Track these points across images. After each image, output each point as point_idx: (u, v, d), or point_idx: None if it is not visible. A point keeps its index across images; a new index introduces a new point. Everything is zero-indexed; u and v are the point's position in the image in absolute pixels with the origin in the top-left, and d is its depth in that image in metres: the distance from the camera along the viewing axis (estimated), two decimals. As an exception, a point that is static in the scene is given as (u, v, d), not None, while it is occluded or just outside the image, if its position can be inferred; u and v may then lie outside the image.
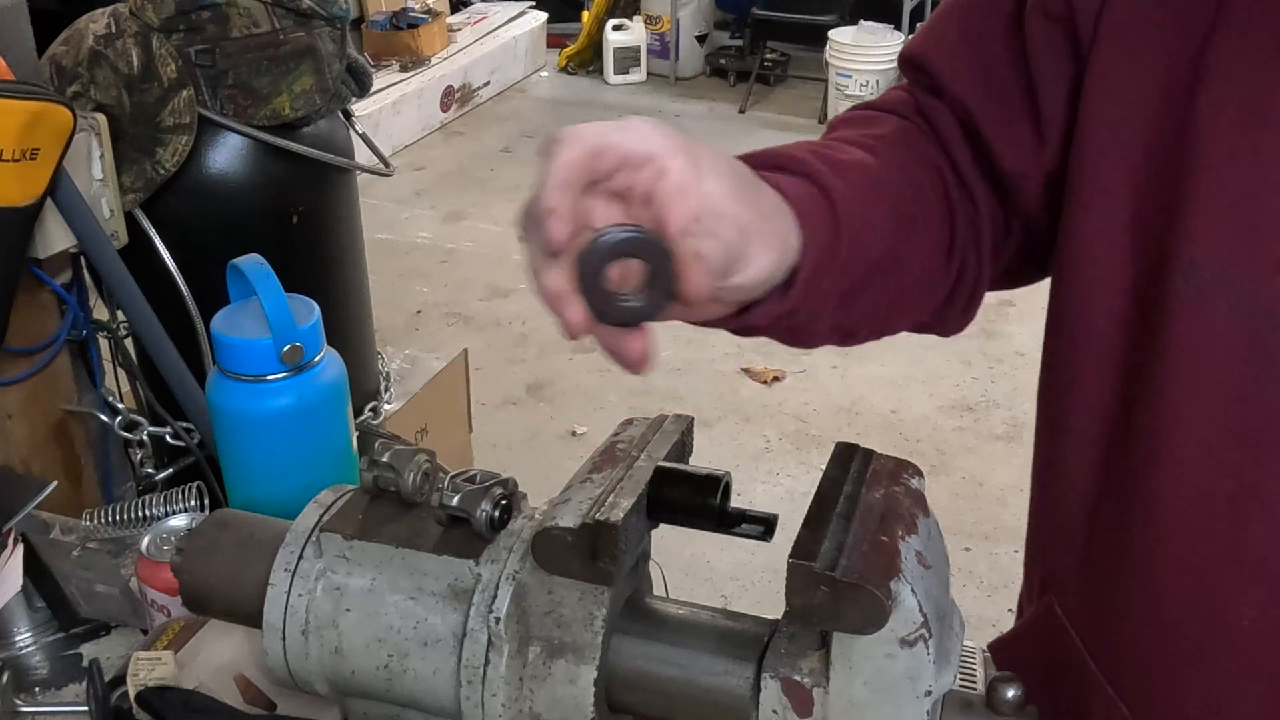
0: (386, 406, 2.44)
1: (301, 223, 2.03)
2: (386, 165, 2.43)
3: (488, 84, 6.11)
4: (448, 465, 0.88)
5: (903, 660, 0.70)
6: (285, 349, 1.11)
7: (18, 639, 1.15)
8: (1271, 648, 0.77)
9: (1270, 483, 0.72)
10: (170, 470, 1.89)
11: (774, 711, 0.74)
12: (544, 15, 6.53)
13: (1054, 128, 0.81)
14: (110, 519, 1.29)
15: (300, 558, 0.85)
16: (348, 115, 2.17)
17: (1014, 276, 0.93)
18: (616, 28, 6.32)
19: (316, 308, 1.16)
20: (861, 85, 5.60)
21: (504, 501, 0.82)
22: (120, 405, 1.88)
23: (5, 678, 1.10)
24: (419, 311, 4.19)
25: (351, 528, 0.85)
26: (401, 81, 5.52)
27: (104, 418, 1.84)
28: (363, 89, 2.12)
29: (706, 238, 0.63)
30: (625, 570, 0.79)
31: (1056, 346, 0.85)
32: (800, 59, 6.25)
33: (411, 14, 5.76)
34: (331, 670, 0.85)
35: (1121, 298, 0.77)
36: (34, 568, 1.16)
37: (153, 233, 1.90)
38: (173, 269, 1.90)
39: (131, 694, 0.96)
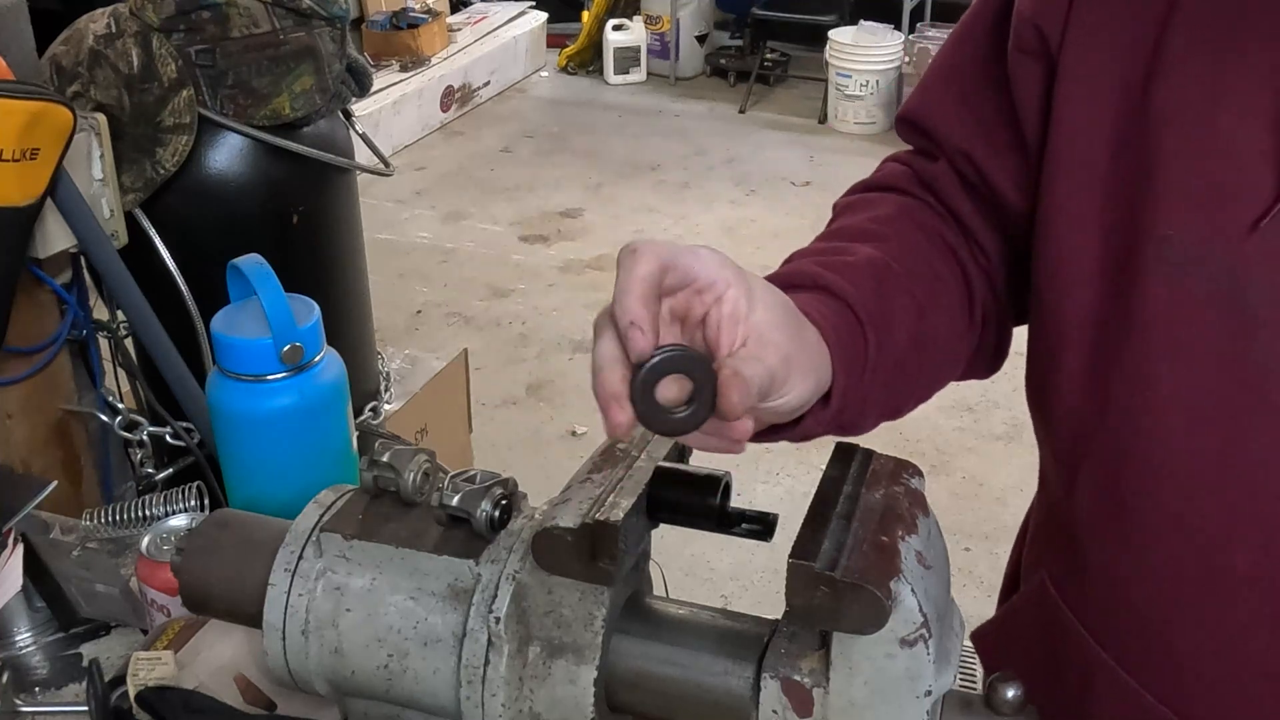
0: (386, 406, 2.44)
1: (301, 223, 2.03)
2: (386, 165, 2.42)
3: (488, 84, 6.11)
4: (448, 465, 0.88)
5: (903, 660, 0.70)
6: (285, 349, 1.11)
7: (18, 639, 1.15)
8: (1269, 592, 0.78)
9: (1256, 434, 0.75)
10: (170, 470, 1.89)
11: (774, 711, 0.75)
12: (544, 15, 6.53)
13: (1036, 147, 0.84)
14: (110, 519, 1.29)
15: (300, 558, 0.85)
16: (348, 115, 2.17)
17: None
18: (616, 28, 6.33)
19: (316, 308, 1.16)
20: (861, 85, 5.60)
21: (504, 501, 0.82)
22: (120, 405, 1.87)
23: (5, 678, 1.10)
24: (419, 311, 4.19)
25: (351, 528, 0.85)
26: (401, 81, 5.52)
27: (104, 418, 1.84)
28: (363, 89, 2.12)
29: (751, 361, 0.69)
30: (625, 570, 0.79)
31: (1038, 332, 0.87)
32: (800, 59, 6.25)
33: (411, 14, 5.76)
34: (331, 670, 0.85)
35: (1096, 279, 0.80)
36: (34, 568, 1.16)
37: (153, 233, 1.90)
38: (173, 269, 1.90)
39: (131, 694, 0.96)
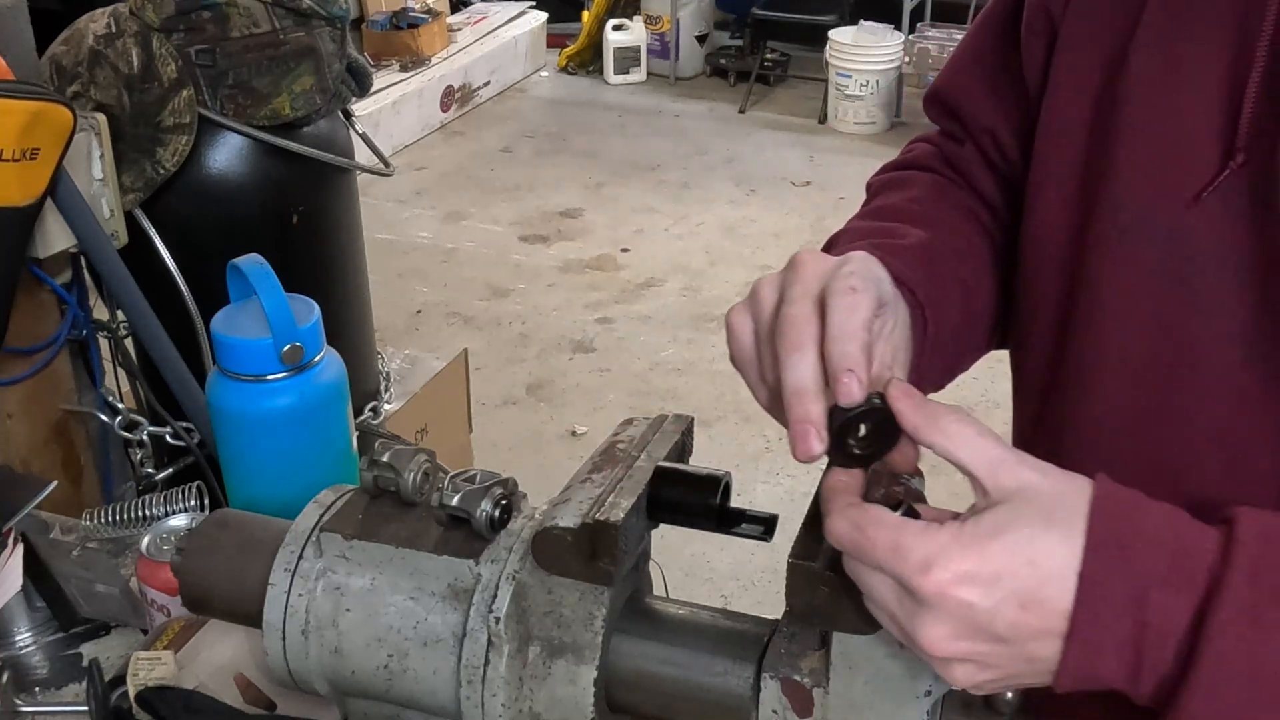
0: (386, 406, 2.44)
1: (301, 223, 2.03)
2: (386, 165, 2.42)
3: (488, 84, 6.11)
4: (448, 465, 0.88)
5: (903, 660, 0.70)
6: (285, 349, 1.11)
7: (18, 639, 1.15)
8: None
9: (1186, 400, 0.78)
10: (170, 470, 1.89)
11: (774, 711, 0.75)
12: (544, 15, 6.53)
13: None
14: (110, 519, 1.29)
15: (300, 558, 0.85)
16: (348, 115, 2.17)
17: None
18: (616, 28, 6.32)
19: (316, 308, 1.16)
20: (861, 85, 5.60)
21: (504, 501, 0.82)
22: (120, 405, 1.88)
23: (5, 678, 1.10)
24: (419, 311, 4.19)
25: (351, 528, 0.85)
26: (401, 81, 5.52)
27: (104, 418, 1.84)
28: (363, 89, 2.11)
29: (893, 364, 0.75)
30: (625, 570, 0.79)
31: (1020, 303, 0.91)
32: (800, 59, 6.25)
33: (411, 14, 5.76)
34: (331, 670, 0.85)
35: (1064, 248, 0.84)
36: (34, 568, 1.16)
37: (153, 233, 1.90)
38: (173, 269, 1.90)
39: (131, 694, 0.96)
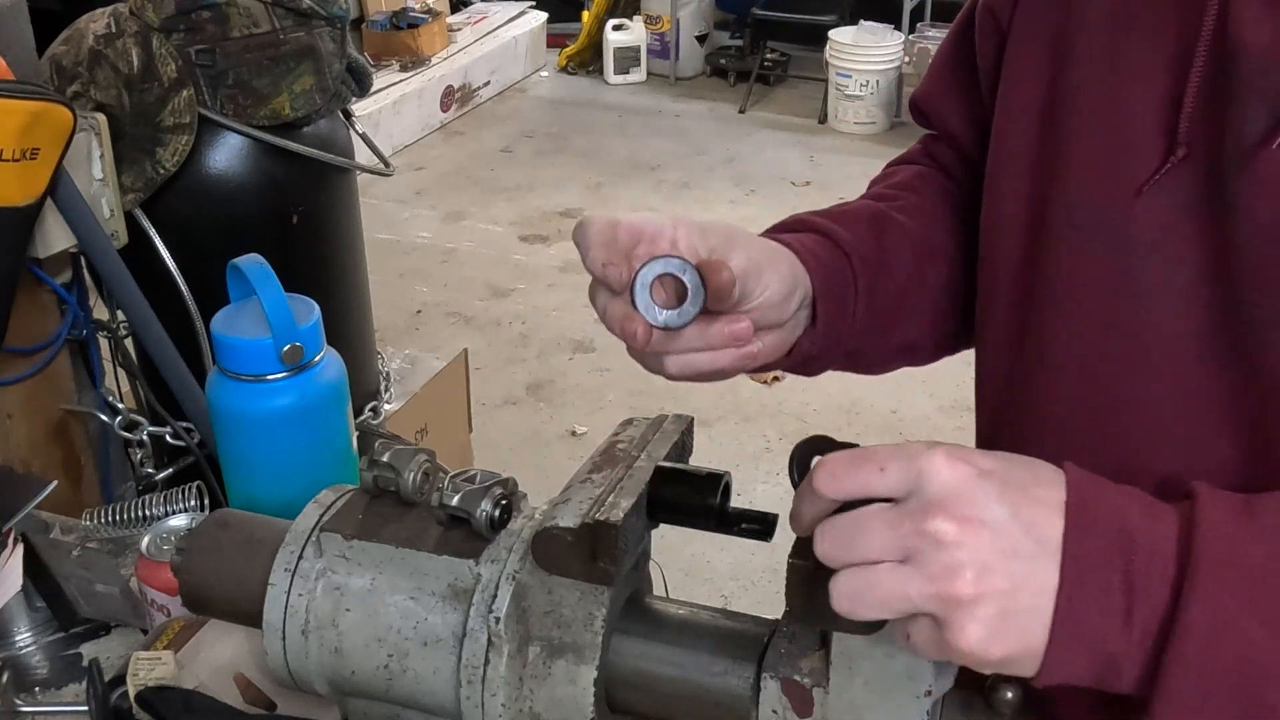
0: (386, 406, 2.44)
1: (301, 223, 2.03)
2: (386, 165, 2.43)
3: (488, 84, 6.11)
4: (448, 465, 0.88)
5: (903, 660, 0.70)
6: (285, 349, 1.11)
7: (18, 639, 1.15)
8: None
9: (1138, 395, 0.78)
10: (170, 470, 1.89)
11: (774, 711, 0.75)
12: (544, 15, 6.53)
13: None
14: (110, 519, 1.29)
15: (300, 558, 0.85)
16: (348, 115, 2.17)
17: None
18: (616, 28, 6.32)
19: (316, 308, 1.16)
20: (861, 85, 5.60)
21: (504, 501, 0.82)
22: (120, 405, 1.88)
23: (5, 678, 1.10)
24: (419, 311, 4.19)
25: (351, 528, 0.85)
26: (401, 81, 5.52)
27: (104, 418, 1.84)
28: (363, 89, 2.12)
29: (727, 257, 0.79)
30: (625, 570, 0.79)
31: (979, 301, 0.93)
32: (800, 59, 6.25)
33: (411, 14, 5.76)
34: (331, 670, 0.85)
35: (1018, 246, 0.85)
36: (34, 568, 1.16)
37: (153, 233, 1.90)
38: (173, 269, 1.90)
39: (131, 694, 0.96)
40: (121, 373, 1.95)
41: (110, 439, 1.87)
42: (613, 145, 5.64)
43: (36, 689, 1.11)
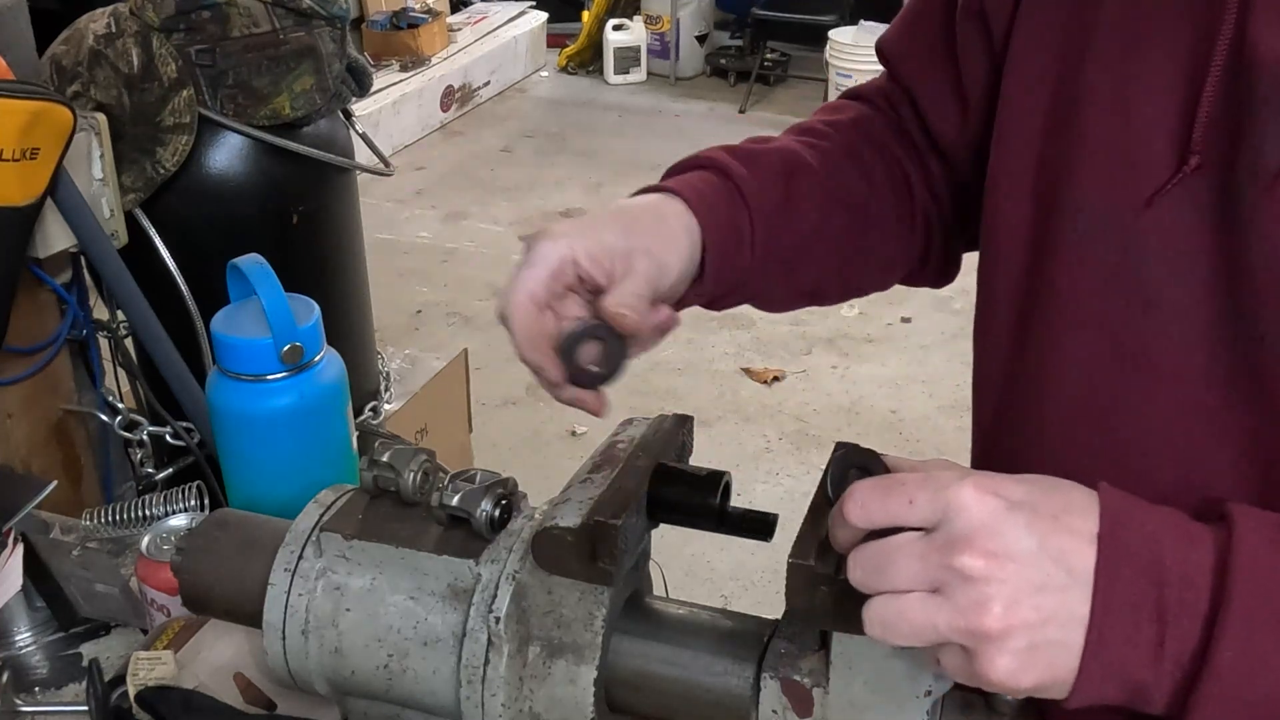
0: (386, 406, 2.44)
1: (301, 223, 2.03)
2: (386, 165, 2.43)
3: (488, 84, 6.11)
4: (448, 465, 0.88)
5: (903, 660, 0.70)
6: (285, 349, 1.11)
7: (18, 639, 1.15)
8: None
9: (1140, 402, 0.78)
10: (170, 470, 1.89)
11: (774, 711, 0.75)
12: (544, 15, 6.52)
13: (976, 106, 0.93)
14: (110, 519, 1.29)
15: (300, 558, 0.85)
16: (348, 115, 2.17)
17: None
18: (616, 28, 6.32)
19: (316, 308, 1.16)
20: (861, 85, 5.59)
21: (504, 501, 0.82)
22: (120, 405, 1.87)
23: (5, 677, 1.10)
24: (419, 311, 4.19)
25: (351, 528, 0.85)
26: (401, 81, 5.51)
27: (104, 418, 1.84)
28: (363, 89, 2.11)
29: (623, 290, 0.84)
30: (625, 570, 0.79)
31: (978, 300, 0.92)
32: (800, 59, 6.25)
33: (411, 14, 5.75)
34: (331, 670, 0.85)
35: (1022, 248, 0.85)
36: (34, 568, 1.15)
37: (153, 233, 1.90)
38: (173, 269, 1.90)
39: (131, 694, 0.96)
40: (121, 373, 1.95)
41: (110, 439, 1.87)
42: (613, 145, 5.64)
43: (36, 689, 1.11)
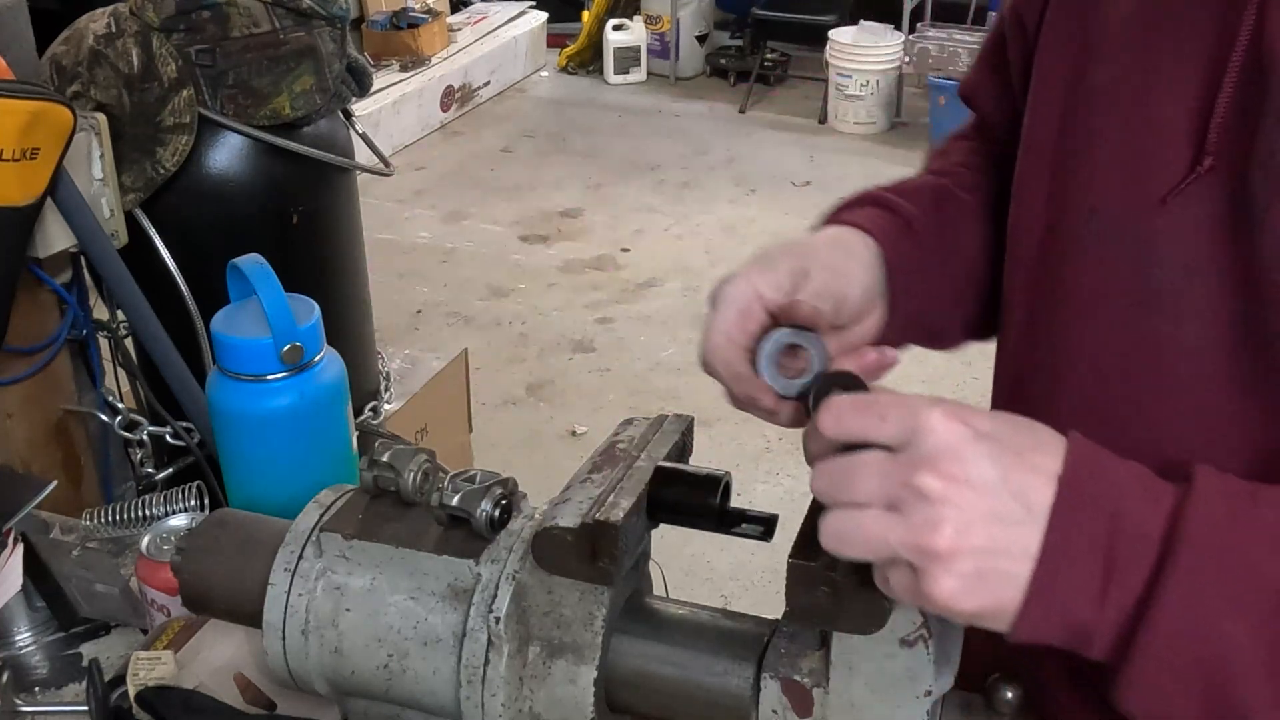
0: (386, 406, 2.44)
1: (301, 223, 2.03)
2: (386, 165, 2.43)
3: (488, 84, 6.11)
4: (448, 465, 0.88)
5: (903, 660, 0.70)
6: (285, 349, 1.11)
7: (18, 639, 1.15)
8: None
9: (1146, 398, 0.78)
10: (170, 470, 1.89)
11: (774, 711, 0.75)
12: (544, 15, 6.52)
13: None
14: (110, 519, 1.29)
15: (300, 557, 0.85)
16: (348, 115, 2.17)
17: None
18: (616, 28, 6.32)
19: (316, 308, 1.16)
20: (861, 85, 5.60)
21: (504, 501, 0.82)
22: (120, 405, 1.87)
23: (5, 677, 1.10)
24: (419, 311, 4.19)
25: (351, 528, 0.85)
26: (401, 81, 5.51)
27: (104, 417, 1.84)
28: (363, 89, 2.11)
29: (807, 290, 0.82)
30: (625, 570, 0.79)
31: (1002, 299, 0.93)
32: (800, 59, 6.24)
33: (411, 14, 5.75)
34: (331, 670, 0.85)
35: (1037, 247, 0.86)
36: (34, 568, 1.15)
37: (153, 233, 1.90)
38: (173, 269, 1.90)
39: (131, 694, 0.96)
40: (121, 373, 1.95)
41: (110, 439, 1.87)
42: (613, 145, 5.64)
43: (36, 689, 1.11)
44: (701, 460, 0.83)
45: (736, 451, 3.41)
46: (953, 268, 0.94)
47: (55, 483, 1.30)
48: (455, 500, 0.81)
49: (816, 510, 0.71)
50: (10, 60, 1.58)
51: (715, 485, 0.78)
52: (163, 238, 1.90)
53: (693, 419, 0.87)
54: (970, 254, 0.95)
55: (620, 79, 6.35)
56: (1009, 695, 0.70)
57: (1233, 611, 0.60)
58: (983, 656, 0.92)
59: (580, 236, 4.76)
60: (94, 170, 1.74)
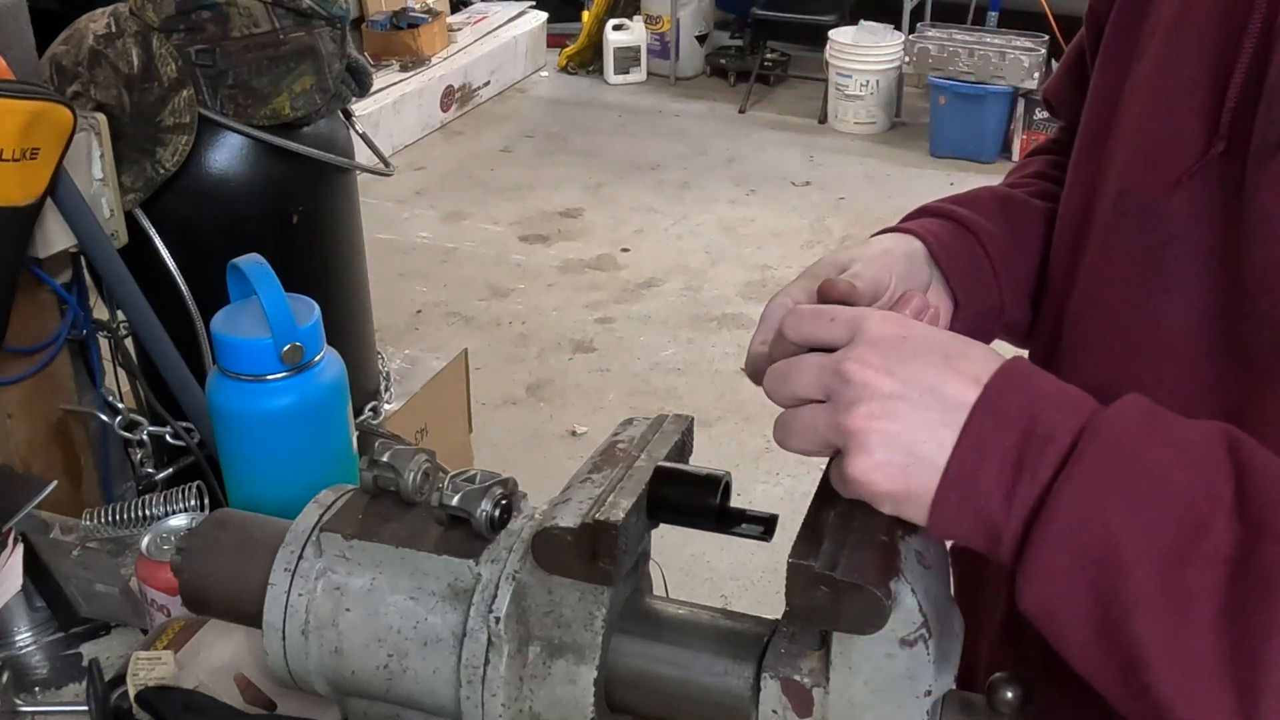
0: (386, 406, 2.44)
1: (301, 223, 2.03)
2: (386, 165, 2.42)
3: (488, 84, 6.11)
4: (448, 465, 0.88)
5: (903, 660, 0.70)
6: (285, 349, 1.11)
7: (18, 639, 1.15)
8: None
9: (1144, 375, 0.79)
10: (170, 470, 1.88)
11: (774, 711, 0.75)
12: (544, 15, 6.53)
13: None
14: (110, 519, 1.29)
15: (300, 557, 0.85)
16: (348, 115, 2.17)
17: None
18: (616, 27, 6.32)
19: (316, 307, 1.16)
20: (861, 85, 5.60)
21: (504, 501, 0.82)
22: (120, 405, 1.87)
23: (5, 678, 1.10)
24: (419, 311, 4.20)
25: (351, 528, 0.85)
26: (401, 81, 5.52)
27: (104, 417, 1.84)
28: (363, 89, 2.11)
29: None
30: (625, 570, 0.79)
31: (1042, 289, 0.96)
32: (800, 59, 6.25)
33: (411, 14, 5.76)
34: (331, 670, 0.85)
35: (1074, 224, 0.89)
36: (34, 568, 1.16)
37: (153, 233, 1.90)
38: (173, 269, 1.90)
39: (131, 694, 0.96)
40: (121, 373, 1.95)
41: (110, 439, 1.87)
42: (613, 145, 5.64)
43: (36, 689, 1.11)
44: (701, 460, 0.83)
45: (736, 451, 3.41)
46: (1019, 267, 0.96)
47: (55, 483, 1.30)
48: (455, 500, 0.81)
49: (816, 510, 0.71)
50: (10, 60, 1.58)
51: (715, 485, 0.78)
52: (163, 238, 1.90)
53: (693, 419, 0.87)
54: (1037, 257, 0.97)
55: (620, 79, 6.35)
56: (1009, 695, 0.70)
57: (1129, 511, 0.62)
58: (983, 657, 0.93)
59: (580, 236, 4.76)
60: (94, 170, 1.74)
